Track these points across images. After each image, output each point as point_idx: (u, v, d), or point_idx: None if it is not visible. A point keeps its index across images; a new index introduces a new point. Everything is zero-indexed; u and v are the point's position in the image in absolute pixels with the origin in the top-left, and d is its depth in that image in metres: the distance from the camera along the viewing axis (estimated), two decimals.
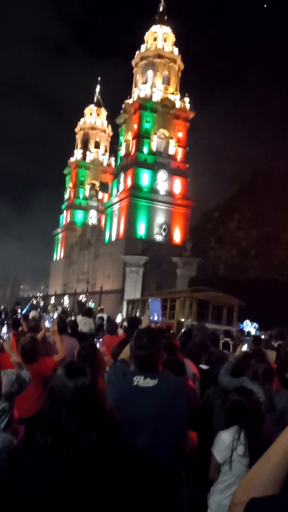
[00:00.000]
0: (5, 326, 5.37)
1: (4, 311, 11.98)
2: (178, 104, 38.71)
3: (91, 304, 24.74)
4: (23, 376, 3.37)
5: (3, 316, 8.44)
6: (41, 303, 33.25)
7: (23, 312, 11.16)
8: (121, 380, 2.34)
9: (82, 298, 30.10)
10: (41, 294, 52.03)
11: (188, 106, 39.27)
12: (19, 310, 11.84)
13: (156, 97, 37.95)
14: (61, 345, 4.90)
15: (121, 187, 38.50)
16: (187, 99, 39.39)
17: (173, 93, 39.20)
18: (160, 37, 40.34)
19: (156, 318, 2.65)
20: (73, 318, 10.51)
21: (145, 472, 1.52)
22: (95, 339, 6.46)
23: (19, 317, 7.82)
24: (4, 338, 3.93)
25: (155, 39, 40.42)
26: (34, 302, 33.70)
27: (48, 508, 1.34)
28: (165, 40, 40.48)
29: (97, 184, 53.70)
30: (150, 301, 2.81)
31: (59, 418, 1.41)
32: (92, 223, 48.59)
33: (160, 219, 36.73)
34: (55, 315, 10.38)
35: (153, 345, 2.29)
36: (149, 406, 2.19)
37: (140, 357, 2.29)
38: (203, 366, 5.13)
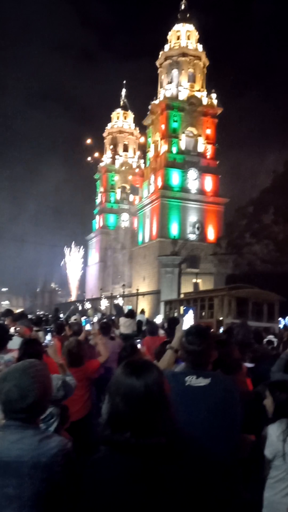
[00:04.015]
0: (49, 334, 5.45)
1: (45, 317, 12.24)
2: (205, 101, 38.36)
3: (128, 307, 24.85)
4: (69, 382, 3.38)
5: (44, 324, 8.62)
6: (79, 308, 33.80)
7: (64, 317, 11.36)
8: (171, 381, 2.29)
9: (119, 301, 30.33)
10: (77, 299, 52.86)
11: (215, 102, 38.85)
12: (61, 315, 12.07)
13: (182, 96, 37.76)
14: (104, 346, 4.92)
15: (152, 188, 38.54)
16: (214, 95, 39.00)
17: (199, 90, 38.89)
18: (183, 35, 40.15)
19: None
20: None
21: (215, 473, 1.47)
22: (136, 340, 6.46)
23: (62, 322, 7.99)
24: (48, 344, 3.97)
25: (178, 38, 40.27)
26: (72, 307, 34.32)
27: (121, 508, 1.32)
28: (188, 38, 40.25)
29: (128, 187, 54.10)
30: (185, 309, 2.80)
31: (132, 414, 1.38)
32: (124, 226, 48.98)
33: (192, 218, 36.46)
34: (95, 319, 10.49)
35: (205, 341, 2.25)
36: (203, 406, 2.13)
37: (193, 352, 2.24)
38: (248, 364, 5.01)
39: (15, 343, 4.66)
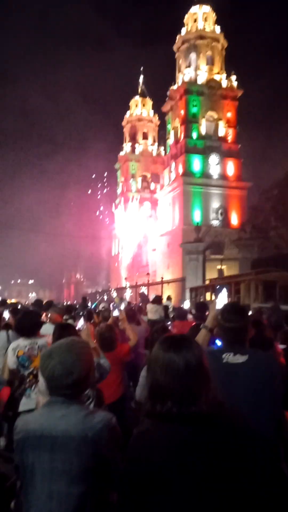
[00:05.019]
0: (82, 318, 5.55)
1: (77, 305, 12.48)
2: (224, 84, 37.54)
3: (152, 295, 24.89)
4: (103, 365, 3.42)
5: (77, 310, 8.81)
6: (105, 297, 34.12)
7: (92, 306, 11.55)
8: (208, 359, 2.28)
9: (144, 290, 30.43)
10: (102, 289, 53.38)
11: (235, 84, 37.96)
12: (89, 304, 12.25)
13: (201, 79, 37.06)
14: (132, 331, 4.96)
15: (173, 175, 38.20)
16: (233, 77, 38.09)
17: (218, 73, 38.06)
18: (200, 18, 39.24)
19: None
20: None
21: (257, 446, 1.45)
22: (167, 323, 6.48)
23: (91, 309, 8.15)
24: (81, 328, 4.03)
25: (195, 20, 39.39)
26: (99, 297, 34.71)
27: (166, 477, 1.33)
28: (205, 20, 39.32)
29: (149, 175, 53.80)
30: (218, 288, 2.76)
31: (172, 386, 1.38)
32: (147, 215, 48.83)
33: (215, 204, 36.01)
34: (122, 306, 10.54)
35: (243, 318, 2.22)
36: (242, 382, 2.11)
37: (230, 330, 2.22)
38: (281, 346, 4.99)
39: (47, 329, 4.76)
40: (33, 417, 1.75)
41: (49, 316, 5.94)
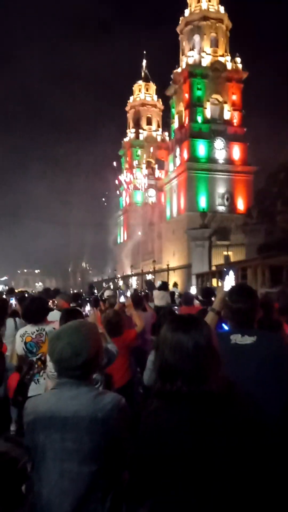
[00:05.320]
0: (88, 304, 5.56)
1: (83, 293, 12.56)
2: (229, 66, 36.89)
3: (159, 282, 24.93)
4: (111, 349, 3.43)
5: (84, 295, 8.87)
6: (111, 285, 34.27)
7: (99, 294, 11.60)
8: (217, 340, 2.27)
9: (150, 277, 30.46)
10: (109, 277, 53.59)
11: (240, 66, 37.27)
12: (95, 291, 12.32)
13: (206, 62, 36.42)
14: (139, 317, 4.97)
15: (178, 161, 37.86)
16: (238, 59, 37.39)
17: (223, 55, 37.36)
18: None
19: None
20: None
21: (266, 426, 1.45)
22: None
23: (97, 296, 8.18)
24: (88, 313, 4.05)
25: (198, 1, 38.53)
26: (105, 285, 34.88)
27: (179, 454, 1.33)
28: (209, 0, 38.41)
29: (153, 161, 53.40)
30: (225, 270, 2.72)
31: (181, 365, 1.37)
32: (152, 202, 48.64)
33: (221, 189, 35.72)
34: (128, 293, 10.58)
35: (251, 299, 2.20)
36: (251, 363, 2.10)
37: (238, 311, 2.20)
38: None
39: (54, 316, 4.78)
40: (43, 399, 1.76)
41: (56, 303, 5.96)
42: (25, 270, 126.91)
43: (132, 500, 1.68)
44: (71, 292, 17.55)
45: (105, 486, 1.62)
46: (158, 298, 8.39)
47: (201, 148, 35.81)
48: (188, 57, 36.89)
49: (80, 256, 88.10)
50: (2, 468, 2.00)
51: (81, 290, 29.14)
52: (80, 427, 1.61)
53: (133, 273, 36.17)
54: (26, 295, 9.48)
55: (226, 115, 36.66)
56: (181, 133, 37.52)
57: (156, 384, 1.44)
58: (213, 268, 23.69)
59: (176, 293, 12.43)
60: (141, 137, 54.81)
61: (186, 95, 36.40)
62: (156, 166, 51.94)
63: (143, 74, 57.61)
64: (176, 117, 39.16)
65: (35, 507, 1.67)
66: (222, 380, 1.40)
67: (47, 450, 1.63)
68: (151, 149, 53.93)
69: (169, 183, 39.82)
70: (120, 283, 32.53)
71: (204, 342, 1.41)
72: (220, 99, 36.71)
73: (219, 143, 35.76)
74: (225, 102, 36.70)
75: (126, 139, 56.38)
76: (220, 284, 2.95)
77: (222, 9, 38.47)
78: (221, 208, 34.91)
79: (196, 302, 7.76)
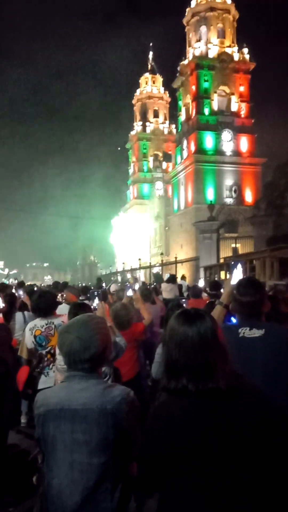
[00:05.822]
0: (96, 298, 5.56)
1: (91, 287, 12.60)
2: (236, 57, 36.40)
3: (166, 275, 24.91)
4: (119, 343, 3.44)
5: (92, 289, 8.89)
6: (119, 278, 34.31)
7: (107, 287, 11.61)
8: (225, 334, 2.26)
9: (158, 270, 30.44)
10: (117, 270, 53.68)
11: (247, 57, 36.75)
12: (103, 285, 12.35)
13: (212, 53, 35.98)
14: (146, 311, 4.98)
15: (185, 153, 37.62)
16: (245, 50, 36.85)
17: (230, 46, 36.87)
18: None
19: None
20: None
21: (275, 420, 1.45)
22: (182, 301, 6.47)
23: (105, 290, 8.19)
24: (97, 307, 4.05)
25: None
26: (113, 278, 34.91)
27: (190, 446, 1.34)
28: None
29: (160, 154, 53.11)
30: (233, 263, 2.71)
31: (187, 360, 1.38)
32: (159, 195, 48.43)
33: (229, 181, 35.45)
34: (136, 286, 10.58)
35: (259, 291, 2.19)
36: (259, 357, 2.10)
37: (246, 304, 2.20)
38: None
39: (62, 310, 4.81)
40: (53, 392, 1.78)
41: (64, 296, 5.99)
42: (34, 264, 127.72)
43: (140, 491, 1.70)
44: (80, 285, 17.64)
45: (114, 477, 1.64)
46: (166, 291, 8.41)
47: (209, 140, 35.53)
48: (194, 49, 36.49)
49: (89, 250, 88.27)
50: (13, 460, 2.03)
51: (90, 283, 29.26)
52: (89, 419, 1.63)
53: (140, 266, 36.19)
54: (36, 288, 9.55)
55: (234, 107, 36.27)
56: (188, 125, 37.24)
57: (163, 380, 1.45)
58: (221, 260, 23.59)
59: (184, 286, 12.41)
60: (148, 130, 54.45)
61: (193, 87, 36.05)
62: (163, 158, 51.67)
63: (149, 66, 57.14)
64: (183, 109, 38.84)
65: (46, 497, 1.70)
66: (230, 376, 1.40)
67: (57, 442, 1.66)
68: (158, 142, 53.61)
69: (176, 176, 39.63)
70: (128, 276, 32.57)
71: (210, 335, 1.41)
72: (228, 90, 36.30)
73: (226, 135, 35.42)
74: (233, 94, 36.29)
75: (133, 132, 56.07)
76: (228, 277, 2.94)
77: None
78: (229, 201, 34.70)
79: (204, 295, 7.75)
